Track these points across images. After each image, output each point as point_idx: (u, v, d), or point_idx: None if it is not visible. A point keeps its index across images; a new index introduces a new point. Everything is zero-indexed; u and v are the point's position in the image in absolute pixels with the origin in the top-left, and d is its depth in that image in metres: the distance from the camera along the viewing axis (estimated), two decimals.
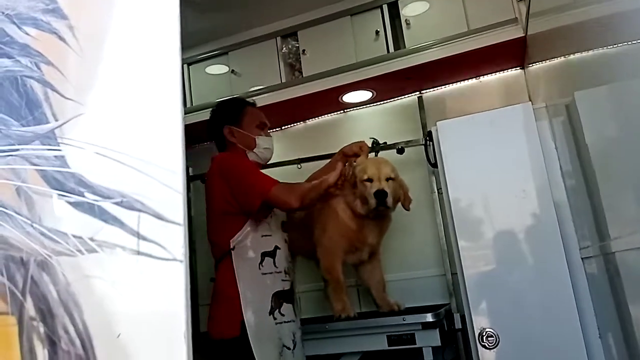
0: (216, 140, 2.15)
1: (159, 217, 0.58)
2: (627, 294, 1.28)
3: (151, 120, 0.62)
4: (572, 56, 1.49)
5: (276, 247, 1.97)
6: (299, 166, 2.78)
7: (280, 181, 1.93)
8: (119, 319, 0.59)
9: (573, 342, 1.62)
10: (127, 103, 0.64)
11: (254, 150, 2.07)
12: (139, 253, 0.59)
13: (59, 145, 0.64)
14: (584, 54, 1.35)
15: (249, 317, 1.82)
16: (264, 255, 1.93)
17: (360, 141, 2.30)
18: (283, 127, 3.04)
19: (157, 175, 0.59)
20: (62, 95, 0.65)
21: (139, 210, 0.59)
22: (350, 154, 2.28)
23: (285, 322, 1.92)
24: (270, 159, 2.17)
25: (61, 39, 0.68)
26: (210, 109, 2.19)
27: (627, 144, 1.09)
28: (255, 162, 2.08)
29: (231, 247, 1.90)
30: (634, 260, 1.19)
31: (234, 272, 1.87)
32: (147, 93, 0.63)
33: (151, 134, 0.62)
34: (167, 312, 0.56)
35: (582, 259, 1.70)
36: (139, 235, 0.59)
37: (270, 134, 2.17)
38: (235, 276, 1.86)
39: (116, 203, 0.60)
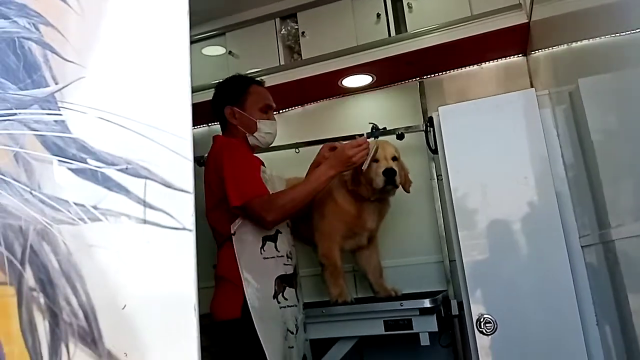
0: (218, 119, 2.09)
1: (167, 184, 0.56)
2: (625, 281, 1.28)
3: (157, 83, 0.59)
4: (577, 43, 1.47)
5: (277, 231, 1.94)
6: (297, 150, 2.75)
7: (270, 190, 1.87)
8: (125, 290, 0.56)
9: (571, 329, 1.62)
10: (131, 65, 0.61)
11: (255, 134, 2.02)
12: (145, 222, 0.56)
13: (59, 110, 0.60)
14: (590, 40, 1.33)
15: (253, 301, 1.80)
16: (265, 239, 1.90)
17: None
18: (281, 111, 3.00)
19: (165, 141, 0.56)
20: (62, 58, 0.62)
21: (146, 178, 0.56)
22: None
23: (288, 306, 1.90)
24: (271, 143, 2.12)
25: None
26: (215, 85, 2.12)
27: (631, 131, 1.07)
28: (255, 145, 2.05)
29: (232, 232, 1.87)
30: (633, 248, 1.19)
31: (236, 257, 1.84)
32: (152, 55, 0.60)
33: (157, 97, 0.59)
34: (175, 283, 0.54)
35: (581, 247, 1.70)
36: (145, 204, 0.56)
37: (274, 117, 2.11)
38: (237, 261, 1.84)
39: (121, 170, 0.57)
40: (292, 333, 1.89)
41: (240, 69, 2.73)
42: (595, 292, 1.64)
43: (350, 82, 2.69)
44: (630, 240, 1.19)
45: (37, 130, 0.60)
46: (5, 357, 0.57)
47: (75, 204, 0.59)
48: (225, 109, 2.03)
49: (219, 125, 2.16)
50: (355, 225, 2.30)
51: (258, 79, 2.21)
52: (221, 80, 2.13)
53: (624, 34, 1.03)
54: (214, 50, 2.92)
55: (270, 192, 1.95)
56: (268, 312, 1.82)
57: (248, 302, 1.79)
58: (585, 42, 1.38)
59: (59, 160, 0.60)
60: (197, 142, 2.14)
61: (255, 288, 1.82)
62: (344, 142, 1.97)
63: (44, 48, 0.63)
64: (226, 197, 1.84)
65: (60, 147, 0.60)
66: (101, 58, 0.62)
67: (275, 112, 2.94)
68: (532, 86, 2.37)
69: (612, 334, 1.52)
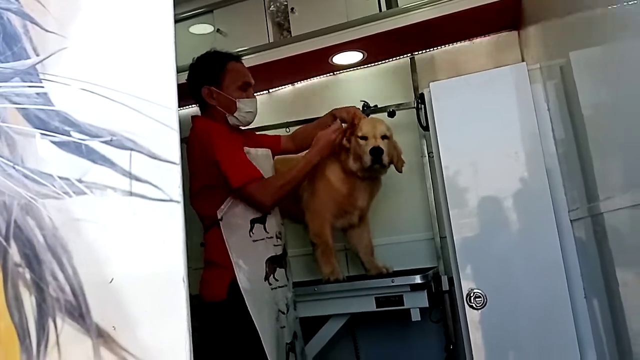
0: (196, 99, 2.03)
1: (153, 156, 0.55)
2: (613, 254, 1.29)
3: (141, 53, 0.57)
4: (568, 16, 1.46)
5: (266, 213, 1.93)
6: (288, 130, 2.73)
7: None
8: (112, 264, 0.55)
9: (559, 302, 1.65)
10: (114, 34, 0.59)
11: (235, 114, 1.96)
12: (131, 194, 0.55)
13: (41, 82, 0.59)
14: (581, 13, 1.32)
15: (244, 283, 1.79)
16: (253, 222, 1.89)
17: (351, 107, 2.23)
18: (271, 90, 2.97)
19: (150, 111, 0.55)
20: (43, 28, 0.60)
21: (131, 149, 0.55)
22: (339, 117, 2.22)
23: (279, 287, 1.91)
24: (252, 122, 2.06)
25: None
26: (190, 64, 2.04)
27: (621, 105, 1.07)
28: (235, 125, 2.01)
29: (219, 217, 1.85)
30: (621, 220, 1.20)
31: (224, 241, 1.83)
32: (136, 23, 0.58)
33: (141, 67, 0.57)
34: (163, 256, 0.53)
35: (571, 221, 1.71)
36: (131, 176, 0.55)
37: (254, 94, 2.06)
38: (225, 245, 1.82)
39: (105, 142, 0.56)
40: (283, 313, 1.90)
41: (228, 47, 2.67)
42: (583, 265, 1.66)
43: (341, 59, 2.66)
44: (618, 213, 1.20)
45: (19, 104, 0.59)
46: None
47: (60, 177, 0.58)
48: (203, 89, 1.95)
49: None
50: (346, 203, 2.30)
51: (236, 52, 2.15)
52: (196, 59, 2.04)
53: (615, 6, 1.02)
54: (201, 28, 2.86)
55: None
56: (260, 294, 1.83)
57: (240, 285, 1.79)
58: (576, 14, 1.37)
59: (42, 134, 0.59)
60: (187, 124, 2.07)
61: (247, 271, 1.82)
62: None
63: (23, 19, 0.61)
64: (212, 181, 1.83)
65: (42, 120, 0.58)
66: (83, 28, 0.60)
67: (264, 91, 2.94)
68: (523, 61, 2.36)
69: (600, 307, 1.55)
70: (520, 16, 2.36)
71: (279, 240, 1.97)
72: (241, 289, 1.78)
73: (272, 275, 1.89)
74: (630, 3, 0.94)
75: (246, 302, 1.77)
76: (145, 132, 0.56)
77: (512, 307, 1.70)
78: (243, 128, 2.10)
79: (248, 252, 1.85)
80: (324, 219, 2.29)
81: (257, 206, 1.87)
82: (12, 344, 0.56)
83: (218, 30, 2.79)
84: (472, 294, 1.73)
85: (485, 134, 1.78)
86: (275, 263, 1.91)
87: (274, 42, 2.66)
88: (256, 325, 1.76)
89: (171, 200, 0.53)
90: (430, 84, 1.87)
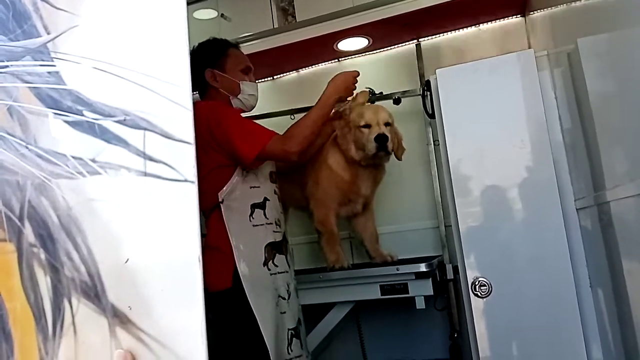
0: (197, 85, 2.02)
1: (167, 135, 0.54)
2: (619, 242, 1.29)
3: (154, 31, 0.56)
4: (576, 2, 1.44)
5: (265, 199, 1.92)
6: (292, 117, 2.72)
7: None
8: (127, 244, 0.55)
9: (565, 291, 1.65)
10: (126, 11, 0.58)
11: (239, 97, 1.97)
12: (145, 174, 0.54)
13: (52, 61, 0.58)
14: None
15: (243, 269, 1.79)
16: (254, 207, 1.88)
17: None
18: (275, 77, 2.95)
19: (163, 90, 0.54)
20: (53, 5, 0.59)
21: (145, 129, 0.55)
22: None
23: (279, 272, 1.90)
24: (254, 106, 2.06)
25: None
26: (191, 50, 2.05)
27: (629, 93, 1.06)
28: (238, 109, 2.00)
29: (220, 200, 1.84)
30: (627, 209, 1.20)
31: (225, 225, 1.82)
32: (148, 0, 0.57)
33: (154, 45, 0.56)
34: (178, 235, 0.53)
35: (577, 209, 1.71)
36: (145, 156, 0.55)
37: (255, 79, 2.05)
38: (226, 229, 1.82)
39: (119, 121, 0.55)
40: (284, 299, 1.90)
41: (232, 32, 2.66)
42: (589, 254, 1.66)
43: (346, 45, 2.65)
44: (624, 201, 1.19)
45: (31, 83, 0.58)
46: (8, 314, 0.57)
47: (73, 157, 0.57)
48: (206, 72, 1.96)
49: None
50: (349, 191, 2.29)
51: (235, 41, 2.14)
52: (197, 45, 2.04)
53: None
54: (205, 13, 2.83)
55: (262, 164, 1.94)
56: (259, 279, 1.82)
57: (239, 270, 1.78)
58: (584, 0, 1.35)
59: (55, 113, 0.58)
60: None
61: (246, 255, 1.82)
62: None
63: None
64: (217, 164, 1.82)
65: (55, 99, 0.58)
66: (94, 5, 0.59)
67: (269, 78, 2.93)
68: (530, 47, 2.34)
69: (605, 296, 1.55)
70: (527, 2, 2.34)
71: (278, 227, 1.96)
72: (240, 274, 1.78)
73: (271, 261, 1.88)
74: None
75: (244, 287, 1.77)
76: (159, 111, 0.55)
77: (517, 295, 1.70)
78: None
79: (248, 237, 1.85)
80: (329, 207, 2.29)
81: (285, 159, 1.91)
82: (28, 324, 0.56)
83: (222, 15, 2.76)
84: (477, 282, 1.73)
85: (491, 121, 1.78)
86: (275, 249, 1.91)
87: (279, 28, 2.63)
88: (254, 310, 1.75)
89: (186, 181, 0.53)
90: (437, 70, 1.86)
